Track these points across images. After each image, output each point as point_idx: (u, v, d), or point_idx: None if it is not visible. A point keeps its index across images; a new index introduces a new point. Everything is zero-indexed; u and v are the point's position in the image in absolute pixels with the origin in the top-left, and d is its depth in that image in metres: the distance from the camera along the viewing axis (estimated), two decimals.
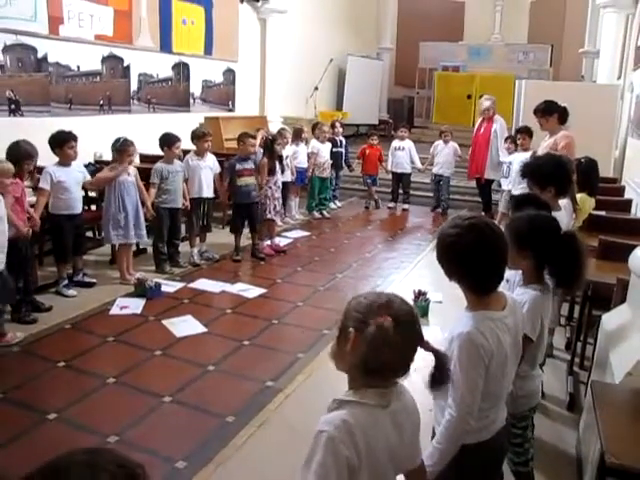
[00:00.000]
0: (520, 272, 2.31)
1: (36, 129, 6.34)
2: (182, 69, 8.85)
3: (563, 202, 3.41)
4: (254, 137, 6.31)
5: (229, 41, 9.79)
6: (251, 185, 6.14)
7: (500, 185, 7.47)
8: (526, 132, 6.49)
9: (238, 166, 6.05)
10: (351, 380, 1.41)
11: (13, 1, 6.10)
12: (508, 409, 2.16)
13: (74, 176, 4.94)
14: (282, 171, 6.65)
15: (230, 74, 10.00)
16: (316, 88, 11.65)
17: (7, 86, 6.18)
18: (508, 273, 2.37)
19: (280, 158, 6.60)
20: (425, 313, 4.76)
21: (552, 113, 5.26)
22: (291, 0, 10.93)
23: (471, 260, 1.76)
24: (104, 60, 7.42)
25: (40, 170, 4.87)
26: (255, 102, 10.82)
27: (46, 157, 4.92)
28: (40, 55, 6.50)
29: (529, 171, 3.43)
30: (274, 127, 9.03)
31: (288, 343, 4.26)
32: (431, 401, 1.94)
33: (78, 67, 7.03)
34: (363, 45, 14.27)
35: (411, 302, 4.39)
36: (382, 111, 15.18)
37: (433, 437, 1.92)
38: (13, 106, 6.25)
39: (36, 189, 4.84)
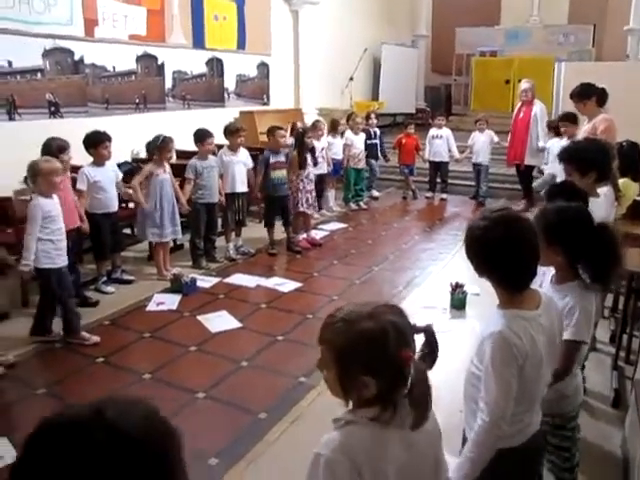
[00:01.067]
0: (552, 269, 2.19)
1: (75, 130, 6.49)
2: (216, 65, 8.88)
3: (603, 190, 3.24)
4: (284, 129, 6.29)
5: (262, 35, 9.77)
6: (283, 178, 6.14)
7: (542, 172, 7.25)
8: (569, 119, 5.97)
9: (271, 159, 6.05)
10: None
11: (51, 7, 6.22)
12: (557, 411, 2.07)
13: (109, 175, 5.03)
14: (314, 164, 6.60)
15: (264, 68, 9.98)
16: (351, 78, 11.54)
17: (47, 89, 6.31)
18: (545, 268, 2.26)
19: (312, 150, 6.56)
20: (462, 306, 4.66)
21: (589, 96, 5.02)
22: None
23: (499, 255, 1.67)
24: (138, 59, 7.50)
25: (76, 169, 4.96)
26: (290, 95, 10.78)
27: (83, 156, 5.01)
28: (77, 57, 6.61)
29: (569, 156, 3.29)
30: (309, 119, 9.00)
31: None
32: (461, 401, 1.87)
33: (114, 67, 7.13)
34: (398, 33, 14.05)
35: (448, 294, 4.29)
36: (419, 99, 14.95)
37: (463, 440, 1.85)
38: (53, 108, 6.38)
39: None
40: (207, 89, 8.77)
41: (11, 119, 5.94)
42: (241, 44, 9.33)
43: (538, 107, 7.58)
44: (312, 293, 5.15)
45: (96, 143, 4.89)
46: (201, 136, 5.65)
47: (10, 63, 5.87)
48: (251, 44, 9.51)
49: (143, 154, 6.65)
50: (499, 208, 1.77)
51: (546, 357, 1.72)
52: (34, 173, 3.89)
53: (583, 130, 5.12)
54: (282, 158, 6.16)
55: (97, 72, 6.92)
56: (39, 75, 6.22)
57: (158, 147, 5.31)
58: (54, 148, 4.41)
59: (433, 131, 8.76)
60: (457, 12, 14.41)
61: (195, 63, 8.47)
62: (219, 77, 8.99)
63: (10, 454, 2.82)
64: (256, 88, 9.87)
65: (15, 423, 3.21)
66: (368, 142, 8.46)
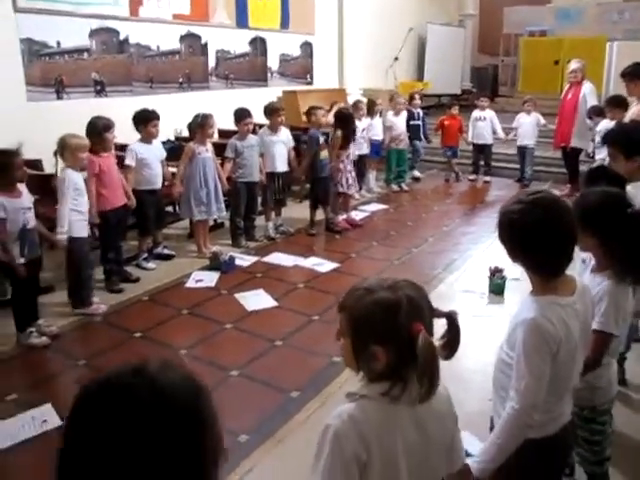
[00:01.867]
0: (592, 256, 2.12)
1: (120, 108, 6.60)
2: (259, 44, 8.88)
3: None
4: (322, 109, 6.27)
5: (305, 14, 9.69)
6: (326, 158, 6.14)
7: (592, 156, 7.00)
8: (616, 104, 5.69)
9: (321, 139, 6.07)
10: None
11: None
12: (588, 403, 2.01)
13: (155, 153, 5.13)
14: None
15: (307, 47, 9.93)
16: (396, 58, 11.38)
17: (93, 68, 6.44)
18: (585, 254, 2.18)
19: (354, 131, 6.51)
20: (501, 291, 4.58)
21: None
22: None
23: (535, 239, 1.62)
24: (182, 39, 7.56)
25: (123, 148, 5.05)
26: (334, 75, 10.70)
27: (127, 135, 5.10)
28: (122, 37, 6.71)
29: (614, 138, 3.16)
30: (352, 99, 8.90)
31: None
32: (491, 389, 1.84)
33: (158, 47, 7.21)
34: (444, 13, 13.73)
35: (487, 279, 4.19)
36: (465, 80, 14.61)
37: (491, 429, 1.82)
38: (99, 87, 6.51)
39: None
40: (250, 68, 8.78)
41: (59, 98, 6.09)
42: (285, 23, 9.29)
43: (588, 88, 7.30)
44: (350, 274, 5.14)
45: (146, 121, 4.99)
46: (239, 115, 5.67)
47: (59, 43, 6.01)
48: (295, 23, 9.45)
49: (186, 133, 6.72)
50: (535, 191, 1.71)
51: (580, 345, 1.67)
52: (62, 148, 4.05)
53: (632, 112, 4.92)
54: (324, 138, 6.17)
55: (141, 51, 7.01)
56: (85, 55, 6.35)
57: (199, 124, 5.35)
58: (100, 126, 4.49)
59: (476, 113, 8.55)
60: None
61: (238, 42, 8.49)
62: (262, 56, 8.99)
63: (54, 419, 2.96)
64: (299, 68, 9.83)
65: (58, 391, 3.35)
66: (411, 123, 8.34)
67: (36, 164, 5.11)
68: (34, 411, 3.04)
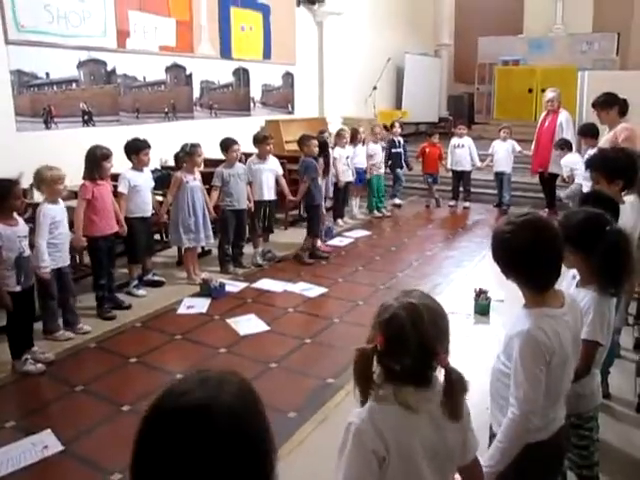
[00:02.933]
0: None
1: (107, 138, 6.69)
2: (242, 74, 9.07)
3: (630, 198, 3.31)
4: (315, 138, 6.45)
5: (287, 45, 9.95)
6: (320, 185, 6.36)
7: (565, 181, 7.25)
8: (587, 133, 5.89)
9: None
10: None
11: (86, 19, 6.45)
12: (574, 410, 2.14)
13: (146, 180, 5.23)
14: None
15: (289, 77, 10.16)
16: (375, 88, 11.65)
17: (81, 99, 6.54)
18: (574, 270, 2.34)
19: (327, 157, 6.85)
20: (486, 312, 4.72)
21: (612, 106, 5.09)
22: (347, 2, 10.99)
23: (526, 257, 1.77)
24: (168, 69, 7.72)
25: (114, 177, 5.13)
26: (314, 104, 10.94)
27: (114, 164, 5.19)
28: (110, 68, 6.84)
29: (597, 163, 3.36)
30: (333, 128, 9.10)
31: (349, 341, 4.32)
32: (488, 399, 1.96)
33: (144, 77, 7.34)
34: (420, 43, 14.15)
35: (471, 301, 4.34)
36: (442, 108, 15.00)
37: (491, 436, 1.93)
38: (86, 117, 6.61)
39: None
40: (234, 98, 8.96)
41: (47, 128, 6.16)
42: (267, 54, 9.52)
43: (564, 116, 7.60)
44: (337, 298, 5.25)
45: (138, 149, 5.13)
46: (227, 144, 5.80)
47: (48, 74, 6.11)
48: (276, 54, 9.69)
49: (171, 162, 6.82)
50: (525, 213, 1.86)
51: (572, 353, 1.81)
52: (39, 181, 4.11)
53: (605, 139, 5.17)
54: None
55: (128, 82, 7.13)
56: (74, 85, 6.45)
57: (188, 153, 5.46)
58: (97, 155, 4.59)
59: (455, 140, 8.80)
60: (480, 21, 14.46)
61: (222, 73, 8.67)
62: (245, 86, 9.18)
63: (55, 444, 2.99)
64: (281, 97, 10.04)
65: (57, 417, 3.37)
66: (393, 151, 8.60)
67: (25, 193, 5.16)
68: (34, 437, 3.06)
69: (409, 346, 1.34)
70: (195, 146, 5.48)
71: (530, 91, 12.41)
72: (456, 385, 1.36)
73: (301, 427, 3.18)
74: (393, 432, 1.35)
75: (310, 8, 10.46)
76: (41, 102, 6.09)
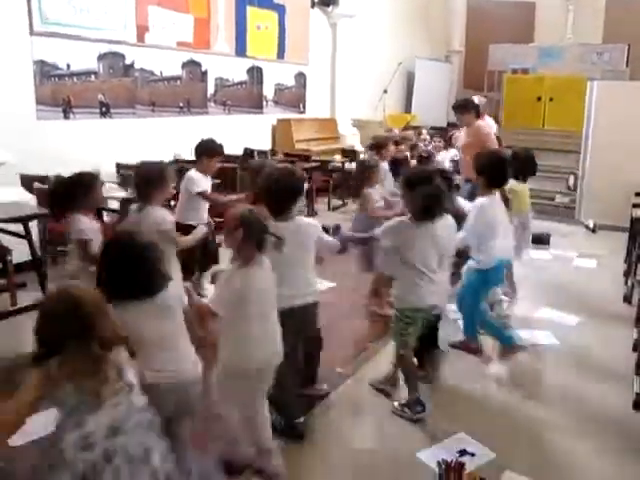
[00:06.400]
0: None
1: (123, 129, 6.87)
2: (256, 73, 9.21)
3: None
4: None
5: (300, 45, 10.09)
6: None
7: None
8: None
9: None
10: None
11: (108, 14, 6.61)
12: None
13: (209, 188, 4.80)
14: None
15: (301, 77, 10.29)
16: (385, 91, 11.79)
17: (100, 90, 6.67)
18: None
19: None
20: None
21: (469, 110, 6.21)
22: (361, 5, 11.13)
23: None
24: (184, 65, 7.85)
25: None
26: (326, 105, 11.07)
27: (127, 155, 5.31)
28: (128, 61, 6.98)
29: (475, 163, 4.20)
30: (343, 129, 9.16)
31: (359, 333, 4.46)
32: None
33: (161, 72, 7.48)
34: (432, 48, 14.29)
35: None
36: (450, 114, 15.07)
37: None
38: (104, 109, 6.74)
39: None
40: (247, 96, 9.10)
41: (66, 117, 6.30)
42: (280, 53, 9.66)
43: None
44: None
45: (213, 154, 4.72)
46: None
47: (68, 66, 6.25)
48: (290, 54, 9.83)
49: (184, 155, 6.94)
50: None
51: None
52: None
53: (459, 137, 6.59)
54: None
55: (145, 76, 7.27)
56: (93, 77, 6.59)
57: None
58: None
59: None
60: (491, 29, 14.57)
61: (236, 71, 8.81)
62: (259, 85, 9.32)
63: None
64: (293, 97, 10.18)
65: None
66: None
67: (43, 180, 5.31)
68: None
69: None
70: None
71: (539, 99, 12.51)
72: None
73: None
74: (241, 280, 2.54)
75: (324, 10, 10.59)
76: (61, 92, 6.22)
